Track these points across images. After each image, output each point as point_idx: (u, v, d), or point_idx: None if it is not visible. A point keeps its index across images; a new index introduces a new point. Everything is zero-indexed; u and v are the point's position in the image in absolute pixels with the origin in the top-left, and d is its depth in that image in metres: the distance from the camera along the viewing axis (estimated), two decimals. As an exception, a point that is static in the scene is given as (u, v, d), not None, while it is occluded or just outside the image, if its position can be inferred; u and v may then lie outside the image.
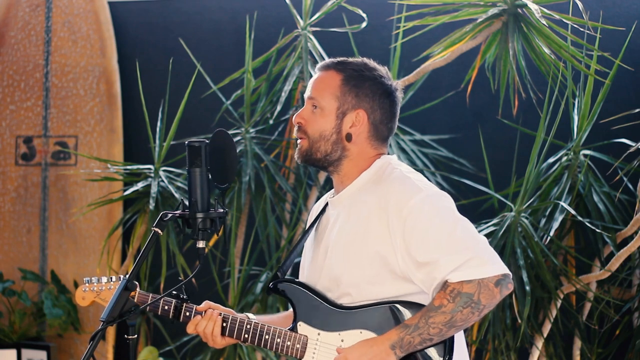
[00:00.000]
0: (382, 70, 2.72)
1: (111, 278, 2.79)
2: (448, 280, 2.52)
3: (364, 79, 2.68)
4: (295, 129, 2.71)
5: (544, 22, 3.80)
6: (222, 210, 2.54)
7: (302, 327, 2.67)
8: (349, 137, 2.66)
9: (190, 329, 2.72)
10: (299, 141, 2.71)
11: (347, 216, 2.65)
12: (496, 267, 2.53)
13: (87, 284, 2.80)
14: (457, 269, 2.50)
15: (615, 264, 3.82)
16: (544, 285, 3.92)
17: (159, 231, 2.49)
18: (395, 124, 2.75)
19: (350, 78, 2.67)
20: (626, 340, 4.02)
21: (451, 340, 2.59)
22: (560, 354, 4.03)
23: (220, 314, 2.71)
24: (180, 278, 4.26)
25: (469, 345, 3.77)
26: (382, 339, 2.56)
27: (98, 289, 2.80)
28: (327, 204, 2.77)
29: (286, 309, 4.30)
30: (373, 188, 2.64)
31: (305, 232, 2.81)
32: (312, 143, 2.68)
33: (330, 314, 2.64)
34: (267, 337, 2.67)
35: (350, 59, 2.73)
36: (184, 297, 2.72)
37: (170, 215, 2.51)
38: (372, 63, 2.73)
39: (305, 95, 2.72)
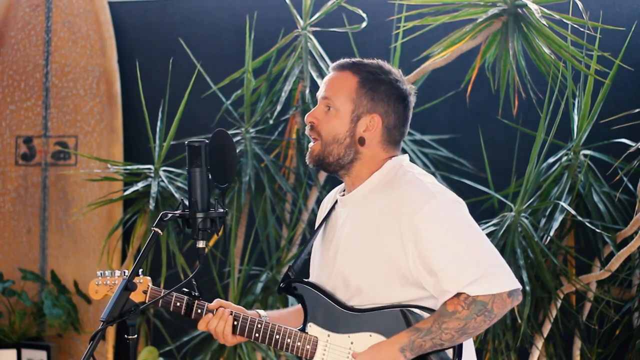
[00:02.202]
0: (397, 73, 2.69)
1: (124, 272, 2.77)
2: (463, 292, 2.51)
3: (380, 83, 2.64)
4: (308, 127, 2.68)
5: (544, 22, 3.80)
6: (222, 210, 2.54)
7: (312, 328, 2.67)
8: (362, 141, 2.63)
9: (201, 326, 2.72)
10: (310, 144, 2.68)
11: (358, 217, 2.64)
12: (509, 282, 2.53)
13: (100, 278, 2.79)
14: (473, 283, 2.49)
15: (615, 264, 3.82)
16: (544, 285, 3.92)
17: (159, 231, 2.49)
18: (407, 127, 2.72)
19: (366, 81, 2.63)
20: (626, 340, 4.02)
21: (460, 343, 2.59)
22: (560, 354, 4.03)
23: (231, 313, 2.71)
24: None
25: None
26: (390, 342, 2.56)
27: (111, 282, 2.79)
28: (336, 202, 2.75)
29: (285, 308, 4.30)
30: (385, 190, 2.61)
31: (316, 230, 2.79)
32: (325, 146, 2.64)
33: (341, 316, 2.63)
34: (277, 337, 2.67)
35: (366, 60, 2.69)
36: (196, 294, 2.73)
37: (170, 215, 2.51)
38: (387, 66, 2.69)
39: (319, 95, 2.69)
